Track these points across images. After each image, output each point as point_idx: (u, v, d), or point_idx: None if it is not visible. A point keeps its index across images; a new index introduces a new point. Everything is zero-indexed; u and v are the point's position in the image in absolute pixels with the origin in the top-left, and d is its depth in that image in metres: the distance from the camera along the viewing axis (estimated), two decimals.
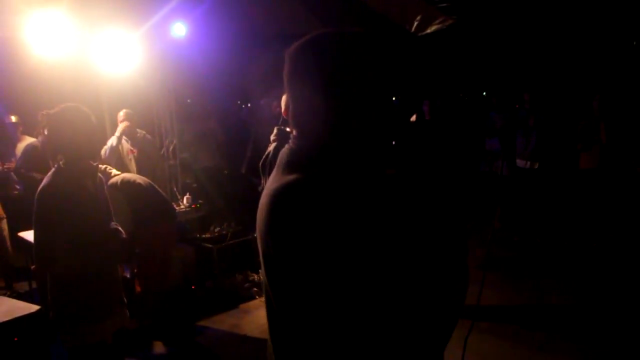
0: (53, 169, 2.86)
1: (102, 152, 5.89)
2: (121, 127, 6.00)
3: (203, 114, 8.48)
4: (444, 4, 6.83)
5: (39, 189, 2.80)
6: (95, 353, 2.90)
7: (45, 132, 2.89)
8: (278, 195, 1.22)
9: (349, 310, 1.17)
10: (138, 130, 6.35)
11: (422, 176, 1.47)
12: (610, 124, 6.75)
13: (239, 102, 13.33)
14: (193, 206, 6.49)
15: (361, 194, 1.28)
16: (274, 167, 1.39)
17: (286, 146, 1.37)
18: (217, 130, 8.39)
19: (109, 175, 4.69)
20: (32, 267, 3.16)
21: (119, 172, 4.81)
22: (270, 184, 1.30)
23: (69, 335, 2.86)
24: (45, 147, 3.04)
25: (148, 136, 6.51)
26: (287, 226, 1.19)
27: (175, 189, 7.23)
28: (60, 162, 2.84)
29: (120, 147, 5.98)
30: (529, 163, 7.40)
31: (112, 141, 5.87)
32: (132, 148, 6.12)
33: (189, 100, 9.90)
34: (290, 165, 1.30)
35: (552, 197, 7.50)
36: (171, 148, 7.48)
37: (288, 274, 1.21)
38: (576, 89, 8.80)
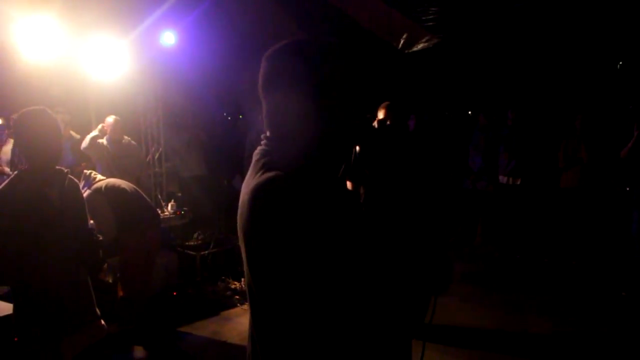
0: (13, 174, 2.73)
1: (83, 143, 5.95)
2: (100, 126, 6.08)
3: (190, 123, 8.52)
4: (430, 23, 6.95)
5: None
6: None
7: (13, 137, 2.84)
8: (258, 190, 1.28)
9: (328, 301, 1.24)
10: (124, 136, 6.38)
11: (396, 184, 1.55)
12: (592, 144, 6.88)
13: (225, 113, 13.36)
14: (177, 213, 6.53)
15: (337, 191, 1.35)
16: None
17: (258, 148, 1.42)
18: (203, 139, 8.43)
19: (93, 180, 4.71)
20: None
21: (103, 177, 4.84)
22: (248, 182, 1.35)
23: (24, 353, 2.71)
24: (13, 152, 2.94)
25: (133, 142, 6.55)
26: (268, 218, 1.24)
27: (159, 196, 7.26)
28: (24, 167, 2.73)
29: (105, 151, 6.03)
30: (510, 179, 7.50)
31: (92, 133, 5.95)
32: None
33: (175, 110, 9.93)
34: (267, 165, 1.34)
35: (533, 215, 7.60)
36: (157, 156, 7.52)
37: (269, 265, 1.27)
38: (559, 108, 8.96)
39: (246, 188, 1.34)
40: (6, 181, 2.70)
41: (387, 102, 4.79)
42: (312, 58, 1.36)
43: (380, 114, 4.78)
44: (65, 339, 2.76)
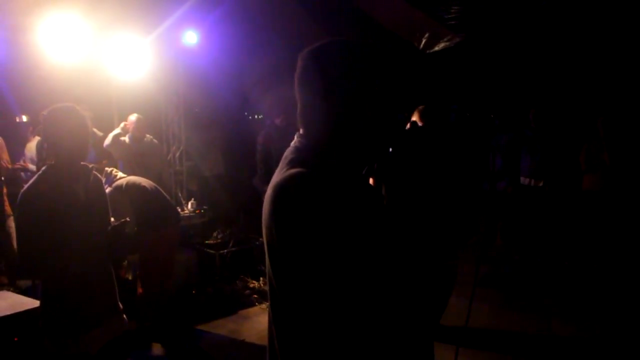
0: (41, 170, 2.77)
1: (106, 140, 6.02)
2: (122, 124, 6.15)
3: (212, 122, 8.56)
4: (452, 22, 6.90)
5: (22, 190, 2.69)
6: None
7: (41, 133, 2.85)
8: (282, 186, 1.30)
9: (348, 296, 1.25)
10: (146, 135, 6.44)
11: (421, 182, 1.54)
12: (614, 147, 6.77)
13: (245, 112, 13.40)
14: (197, 211, 6.56)
15: (360, 189, 1.35)
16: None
17: (292, 144, 1.45)
18: (225, 140, 8.47)
19: (114, 178, 4.76)
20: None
21: (124, 175, 4.89)
22: (275, 178, 1.37)
23: (50, 344, 2.75)
24: (40, 148, 2.99)
25: (155, 141, 6.60)
26: (290, 214, 1.26)
27: (180, 195, 7.31)
28: (50, 163, 2.76)
29: (127, 149, 6.09)
30: (532, 181, 7.42)
31: (115, 131, 6.01)
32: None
33: (196, 110, 10.00)
34: (294, 161, 1.37)
35: (555, 217, 7.50)
36: (178, 154, 7.57)
37: (291, 260, 1.28)
38: (583, 110, 8.83)
39: (272, 183, 1.36)
40: (34, 176, 2.74)
41: (422, 106, 4.79)
42: (338, 61, 1.39)
43: (415, 117, 4.78)
44: (90, 332, 2.80)
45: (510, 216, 7.95)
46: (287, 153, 1.43)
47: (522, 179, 7.59)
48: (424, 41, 7.65)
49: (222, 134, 8.58)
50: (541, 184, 7.35)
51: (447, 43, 7.54)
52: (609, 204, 6.86)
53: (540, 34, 7.35)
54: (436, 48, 7.70)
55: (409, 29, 7.51)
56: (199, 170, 8.40)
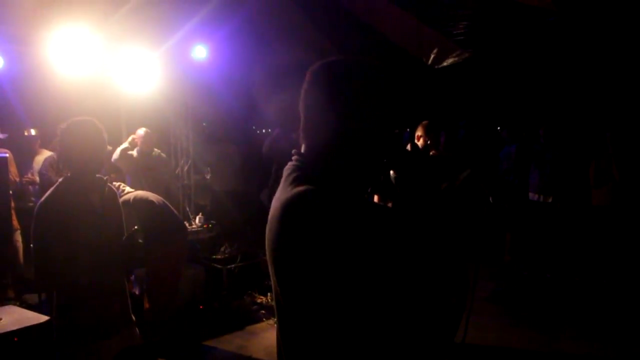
0: (58, 182, 2.82)
1: (114, 155, 6.02)
2: (130, 138, 6.15)
3: (223, 137, 8.58)
4: (461, 37, 6.90)
5: (40, 201, 2.76)
6: None
7: (58, 145, 2.90)
8: (290, 205, 1.29)
9: (353, 312, 1.23)
10: (154, 149, 6.44)
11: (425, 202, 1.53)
12: (623, 162, 6.73)
13: (254, 127, 13.44)
14: (205, 226, 6.53)
15: (366, 206, 1.34)
16: None
17: (289, 163, 1.44)
18: (235, 155, 8.46)
19: (121, 192, 4.74)
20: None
21: (131, 190, 4.87)
22: (278, 197, 1.36)
23: (65, 354, 2.79)
24: (57, 160, 3.05)
25: (163, 155, 6.61)
26: (299, 232, 1.24)
27: (188, 209, 7.30)
28: (68, 174, 2.82)
29: (135, 163, 6.09)
30: (542, 197, 7.37)
31: (123, 145, 6.02)
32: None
33: (204, 124, 10.03)
34: (299, 179, 1.35)
35: (564, 233, 7.44)
36: (186, 168, 7.57)
37: (298, 280, 1.27)
38: (591, 125, 8.80)
39: (276, 202, 1.35)
40: (50, 189, 2.79)
41: (426, 122, 4.78)
42: (345, 80, 1.38)
43: (419, 132, 4.76)
44: (104, 342, 2.83)
45: (518, 231, 7.90)
46: (289, 171, 1.41)
47: (530, 194, 7.55)
48: (432, 57, 7.64)
49: (230, 148, 8.58)
50: (550, 200, 7.30)
51: (456, 59, 7.53)
52: (618, 219, 6.81)
53: (547, 49, 7.33)
54: (445, 63, 7.68)
55: (417, 44, 7.51)
56: (209, 185, 8.41)
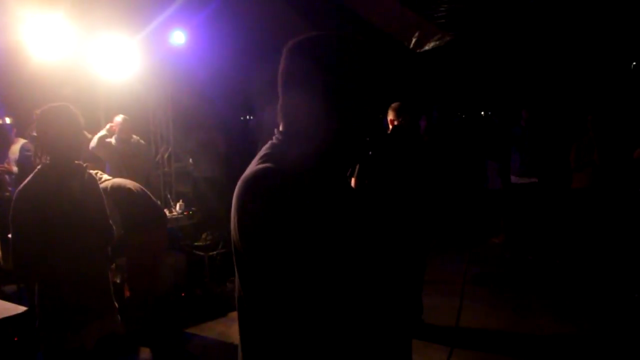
0: (36, 169, 2.78)
1: (91, 143, 5.93)
2: (108, 125, 6.07)
3: (205, 124, 8.50)
4: (442, 20, 6.87)
5: (18, 189, 2.72)
6: (71, 359, 2.80)
7: (34, 132, 2.89)
8: (246, 182, 1.25)
9: (312, 300, 1.20)
10: (133, 135, 6.36)
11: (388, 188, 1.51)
12: (604, 145, 6.75)
13: (240, 114, 13.35)
14: (186, 213, 6.48)
15: (336, 188, 1.30)
16: None
17: (269, 142, 1.40)
18: (218, 141, 8.39)
19: (99, 180, 4.68)
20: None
21: (109, 177, 4.82)
22: (245, 173, 1.32)
23: (47, 339, 2.78)
24: (35, 147, 3.01)
25: (142, 142, 6.51)
26: (253, 211, 1.21)
27: (169, 196, 7.24)
28: (46, 161, 2.78)
29: (114, 150, 6.01)
30: (522, 180, 7.40)
31: (100, 132, 5.93)
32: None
33: (187, 111, 9.93)
34: (267, 156, 1.31)
35: (545, 216, 7.49)
36: (166, 155, 7.50)
37: (253, 259, 1.23)
38: (572, 108, 8.83)
39: (240, 179, 1.31)
40: (29, 176, 2.76)
41: (397, 103, 4.70)
42: (326, 56, 1.33)
43: (391, 115, 4.70)
44: (87, 326, 2.82)
45: (507, 214, 7.95)
46: (263, 148, 1.37)
47: (512, 177, 7.58)
48: (414, 40, 7.61)
49: (212, 135, 8.52)
50: (529, 182, 7.33)
51: (437, 42, 7.51)
52: (598, 202, 6.85)
53: (529, 32, 7.33)
54: (426, 47, 7.66)
55: (399, 27, 7.47)
56: (190, 172, 8.35)
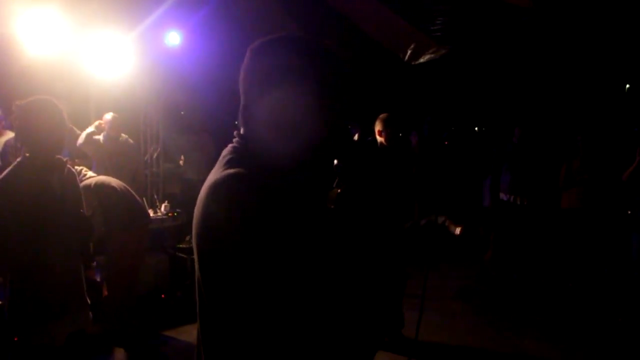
0: (15, 162, 2.77)
1: (79, 139, 5.90)
2: (97, 122, 6.03)
3: (196, 126, 8.47)
4: (438, 34, 6.87)
5: None
6: (40, 355, 2.78)
7: (15, 124, 2.85)
8: (214, 187, 1.21)
9: (273, 301, 1.16)
10: (122, 134, 6.33)
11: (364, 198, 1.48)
12: (594, 165, 6.75)
13: (235, 118, 13.30)
14: (170, 214, 6.42)
15: (296, 195, 1.27)
16: None
17: (229, 145, 1.36)
18: (210, 144, 8.35)
19: (82, 177, 4.65)
20: None
21: (93, 175, 4.78)
22: (209, 178, 1.28)
23: (16, 334, 2.76)
24: (15, 140, 2.99)
25: (130, 141, 6.48)
26: (217, 218, 1.17)
27: (156, 197, 7.18)
28: (25, 154, 2.76)
29: (101, 148, 5.98)
30: (512, 197, 7.37)
31: (88, 129, 5.90)
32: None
33: (182, 112, 9.91)
34: (232, 161, 1.28)
35: (532, 234, 7.46)
36: (155, 155, 7.46)
37: (213, 266, 1.20)
38: (565, 127, 8.84)
39: (205, 184, 1.27)
40: (8, 169, 2.75)
41: (385, 114, 4.66)
42: (293, 57, 1.28)
43: (378, 126, 4.64)
44: (56, 322, 2.80)
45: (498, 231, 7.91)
46: (225, 152, 1.33)
47: (501, 195, 7.55)
48: (409, 52, 7.60)
49: (205, 137, 8.48)
50: (519, 201, 7.30)
51: (432, 55, 7.50)
52: (587, 222, 6.84)
53: (524, 51, 7.34)
54: (421, 60, 7.65)
55: (395, 40, 7.46)
56: (180, 173, 8.31)
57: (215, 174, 1.27)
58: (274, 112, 1.29)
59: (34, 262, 2.72)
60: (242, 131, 1.36)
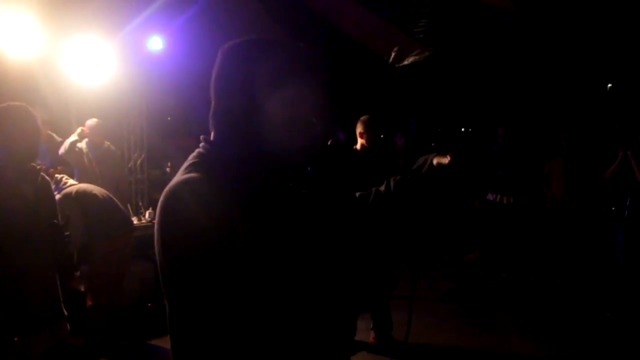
0: None
1: (62, 148, 5.81)
2: (79, 129, 5.94)
3: (184, 131, 8.42)
4: (421, 35, 6.86)
5: None
6: None
7: None
8: (170, 192, 1.17)
9: (227, 305, 1.13)
10: (105, 141, 6.24)
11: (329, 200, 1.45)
12: (577, 163, 6.79)
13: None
14: (153, 221, 6.32)
15: (252, 199, 1.22)
16: None
17: (196, 150, 1.32)
18: (195, 149, 8.30)
19: (63, 185, 4.58)
20: None
21: (75, 182, 4.71)
22: (170, 183, 1.24)
23: None
24: None
25: (113, 147, 6.38)
26: (172, 223, 1.14)
27: (140, 204, 7.10)
28: None
29: (84, 156, 5.89)
30: (498, 197, 7.38)
31: (71, 137, 5.81)
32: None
33: (168, 118, 9.84)
34: (193, 165, 1.24)
35: (519, 233, 7.47)
36: (139, 162, 7.37)
37: (172, 271, 1.17)
38: (548, 126, 8.87)
39: (165, 189, 1.23)
40: None
41: (366, 116, 4.60)
42: (264, 61, 1.25)
43: (359, 128, 4.60)
44: (32, 337, 2.73)
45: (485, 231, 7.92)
46: (190, 157, 1.30)
47: (489, 194, 7.56)
48: (393, 55, 7.58)
49: (191, 141, 8.42)
50: (511, 200, 7.31)
51: (417, 57, 7.49)
52: (572, 219, 6.86)
53: (507, 51, 7.37)
54: (405, 62, 7.64)
55: (378, 41, 7.44)
56: (166, 179, 8.22)
57: (174, 179, 1.23)
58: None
59: (6, 274, 2.65)
60: (211, 136, 1.33)
